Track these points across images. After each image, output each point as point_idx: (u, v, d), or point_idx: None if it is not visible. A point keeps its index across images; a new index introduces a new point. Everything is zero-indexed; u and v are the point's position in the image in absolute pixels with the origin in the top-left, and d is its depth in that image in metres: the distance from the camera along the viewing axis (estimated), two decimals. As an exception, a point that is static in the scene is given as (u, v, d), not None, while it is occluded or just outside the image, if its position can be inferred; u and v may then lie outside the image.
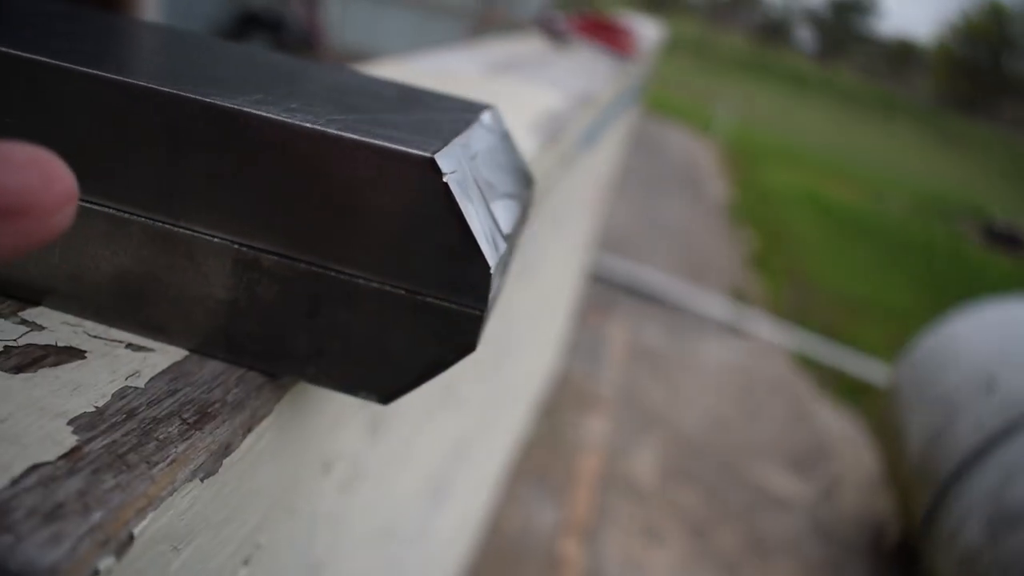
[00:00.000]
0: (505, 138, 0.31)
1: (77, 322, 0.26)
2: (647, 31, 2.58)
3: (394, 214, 0.22)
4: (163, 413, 0.22)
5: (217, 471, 0.23)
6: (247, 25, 2.86)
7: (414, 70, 0.82)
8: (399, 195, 0.22)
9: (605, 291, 3.47)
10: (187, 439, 0.22)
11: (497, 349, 1.06)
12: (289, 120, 0.22)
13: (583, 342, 2.89)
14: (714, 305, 3.74)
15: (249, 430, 0.24)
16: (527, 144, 0.64)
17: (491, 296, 0.23)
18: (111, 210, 0.24)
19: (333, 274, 0.23)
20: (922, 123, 27.16)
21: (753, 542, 2.12)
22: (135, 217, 0.24)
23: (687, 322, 3.48)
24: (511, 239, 0.26)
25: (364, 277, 0.23)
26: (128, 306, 0.26)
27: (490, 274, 0.22)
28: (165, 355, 0.25)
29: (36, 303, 0.26)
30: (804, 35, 63.13)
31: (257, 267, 0.24)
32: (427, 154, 0.22)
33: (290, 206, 0.23)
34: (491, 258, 0.23)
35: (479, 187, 0.24)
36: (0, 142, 0.15)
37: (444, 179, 0.21)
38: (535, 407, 2.27)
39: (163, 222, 0.24)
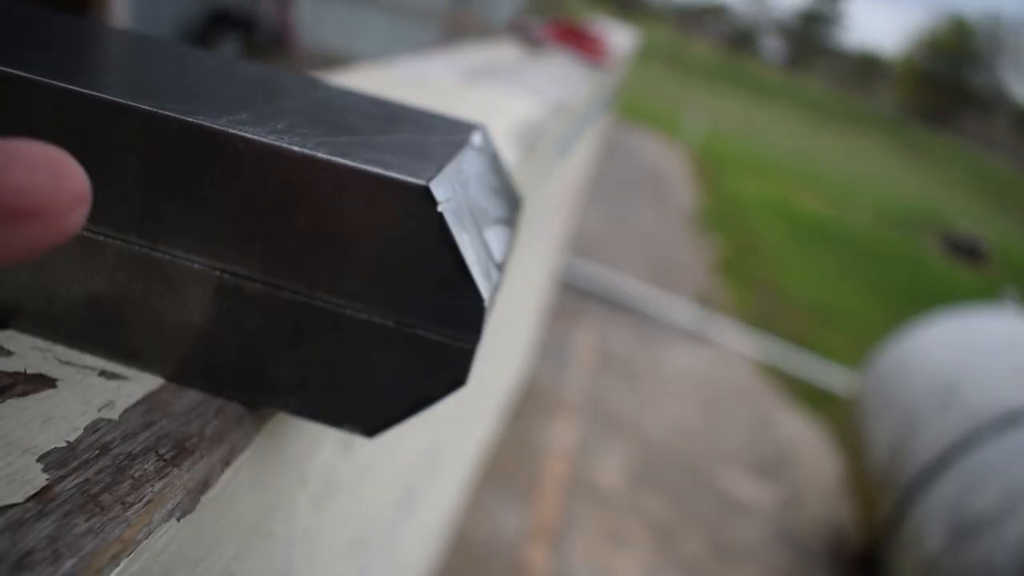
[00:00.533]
0: (495, 159, 0.30)
1: (47, 347, 0.25)
2: (620, 38, 2.59)
3: (385, 243, 0.21)
4: (138, 448, 0.21)
5: (195, 509, 0.21)
6: (218, 24, 2.81)
7: (390, 76, 0.80)
8: (391, 224, 0.21)
9: (574, 296, 3.48)
10: (164, 477, 0.21)
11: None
12: (276, 143, 0.21)
13: (552, 347, 2.89)
14: (681, 312, 3.77)
15: (228, 464, 0.23)
16: (507, 155, 0.63)
17: (484, 329, 0.22)
18: (85, 232, 0.23)
19: (319, 304, 0.22)
20: (886, 134, 27.62)
21: (718, 548, 2.13)
22: (111, 240, 0.23)
23: (655, 328, 3.50)
24: (503, 267, 0.25)
25: (351, 307, 0.22)
26: (102, 331, 0.24)
27: (484, 307, 0.22)
28: (140, 384, 0.24)
29: (3, 326, 0.25)
30: (772, 45, 63.94)
31: (239, 295, 0.23)
32: (421, 182, 0.21)
33: (275, 232, 0.22)
34: (485, 290, 0.22)
35: (472, 214, 0.23)
36: (8, 140, 0.14)
37: (439, 209, 0.21)
38: (504, 412, 2.26)
39: (141, 245, 0.23)
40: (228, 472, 0.23)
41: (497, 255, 0.24)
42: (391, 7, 3.51)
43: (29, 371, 0.23)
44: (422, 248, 0.21)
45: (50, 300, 0.24)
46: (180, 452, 0.22)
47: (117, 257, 0.23)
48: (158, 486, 0.20)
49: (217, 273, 0.23)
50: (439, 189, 0.21)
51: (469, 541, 1.85)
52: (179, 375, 0.24)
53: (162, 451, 0.21)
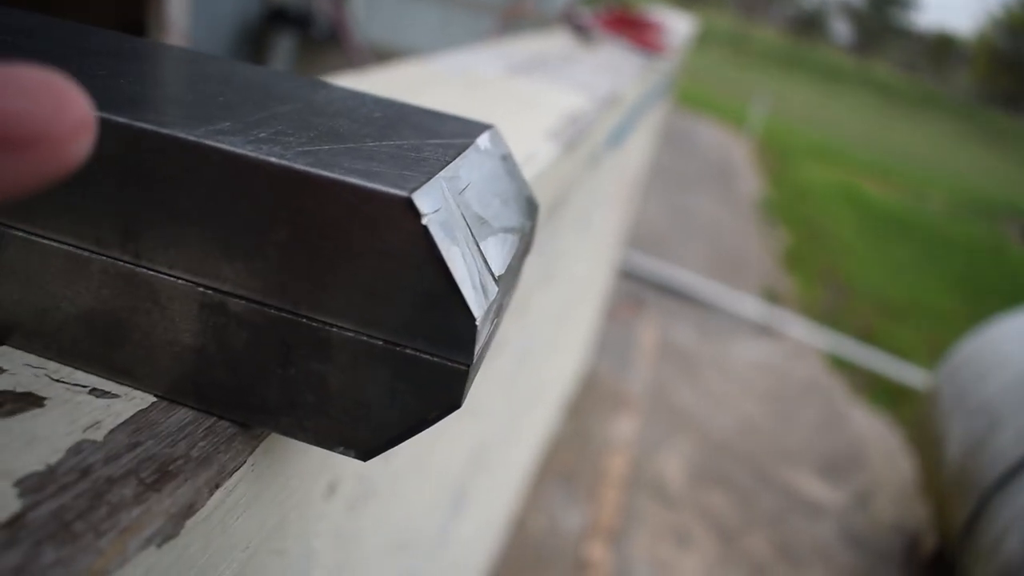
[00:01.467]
0: (505, 161, 0.28)
1: (40, 364, 0.24)
2: (677, 25, 2.53)
3: (369, 258, 0.20)
4: (120, 472, 0.21)
5: (178, 534, 0.21)
6: (274, 21, 2.85)
7: (434, 71, 0.80)
8: (374, 238, 0.20)
9: (635, 288, 3.44)
10: (143, 503, 0.20)
11: (518, 355, 1.04)
12: (251, 154, 0.20)
13: (612, 340, 2.86)
14: (746, 304, 3.69)
15: (217, 486, 0.22)
16: (547, 149, 0.62)
17: (477, 349, 0.21)
18: (69, 247, 0.23)
19: (305, 321, 0.21)
20: (962, 119, 26.58)
21: (783, 548, 2.08)
22: (95, 255, 0.22)
23: (718, 321, 3.44)
24: (505, 279, 0.24)
25: (339, 325, 0.21)
26: (93, 348, 0.24)
27: (475, 326, 0.20)
28: (130, 402, 0.23)
29: (0, 342, 0.25)
30: (840, 28, 62.12)
31: (224, 312, 0.22)
32: (404, 193, 0.19)
33: (255, 247, 0.21)
34: (477, 308, 0.20)
35: (467, 224, 0.22)
36: (6, 64, 0.14)
37: (423, 221, 0.19)
38: (562, 407, 2.24)
39: (124, 261, 0.22)
40: (218, 494, 0.22)
41: (497, 267, 0.23)
42: (445, 0, 3.49)
43: (19, 390, 0.23)
44: (407, 263, 0.20)
45: (42, 317, 0.24)
46: (163, 476, 0.21)
47: (102, 273, 0.23)
48: (135, 512, 0.20)
49: (201, 289, 0.22)
50: (425, 200, 0.20)
51: (528, 539, 1.84)
52: (170, 392, 0.24)
53: (143, 475, 0.21)
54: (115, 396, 0.23)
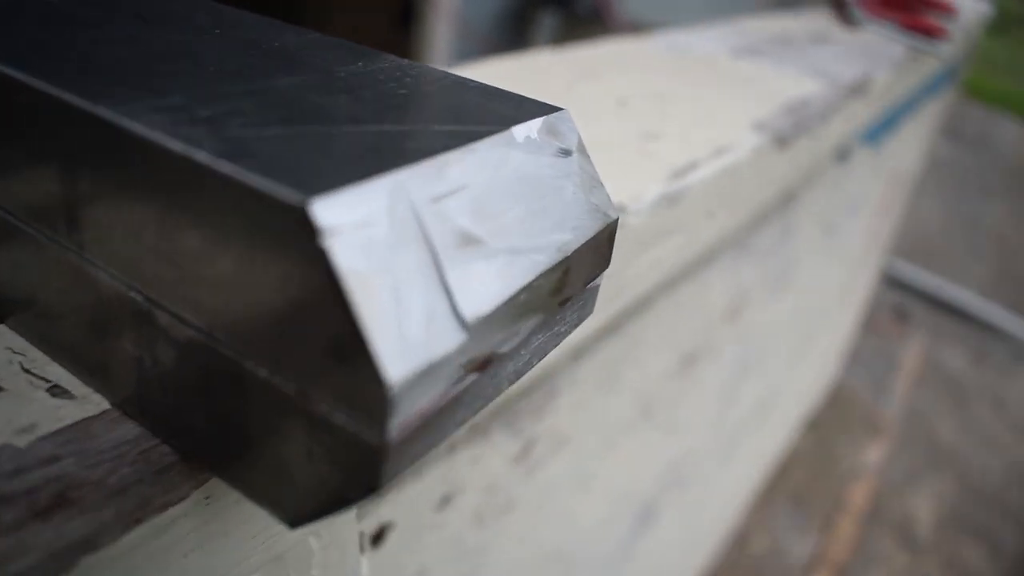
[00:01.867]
0: (565, 157, 0.22)
1: (24, 350, 0.23)
2: (965, 4, 2.20)
3: (272, 282, 0.15)
4: (19, 490, 0.18)
5: (68, 571, 0.18)
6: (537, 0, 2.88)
7: (641, 49, 0.73)
8: (272, 255, 0.15)
9: (902, 300, 3.09)
10: (17, 531, 0.17)
11: (735, 365, 0.96)
12: (150, 136, 0.16)
13: (869, 356, 2.59)
14: (1034, 332, 3.19)
15: (138, 521, 0.19)
16: (748, 141, 0.54)
17: (396, 422, 0.15)
18: (31, 230, 0.20)
19: (220, 349, 0.17)
20: None
21: (1041, 622, 1.78)
22: (50, 242, 0.20)
23: (999, 348, 3.00)
24: (496, 320, 0.18)
25: (250, 360, 0.17)
26: (62, 341, 0.22)
27: (384, 394, 0.15)
28: (81, 407, 0.21)
29: (1, 320, 0.24)
30: None
31: (152, 322, 0.19)
32: (297, 198, 0.14)
33: (168, 251, 0.17)
34: (395, 367, 0.14)
35: (430, 245, 0.16)
36: None
37: (322, 241, 0.14)
38: (801, 423, 2.07)
39: (72, 251, 0.20)
40: (141, 529, 0.19)
41: (473, 306, 0.17)
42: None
43: None
44: (308, 296, 0.15)
45: (25, 301, 0.22)
46: (60, 502, 0.18)
47: (56, 262, 0.20)
48: (3, 544, 0.17)
49: (132, 294, 0.19)
50: (337, 209, 0.14)
51: (748, 559, 1.72)
52: (121, 403, 0.21)
53: (38, 498, 0.18)
54: (71, 398, 0.21)
